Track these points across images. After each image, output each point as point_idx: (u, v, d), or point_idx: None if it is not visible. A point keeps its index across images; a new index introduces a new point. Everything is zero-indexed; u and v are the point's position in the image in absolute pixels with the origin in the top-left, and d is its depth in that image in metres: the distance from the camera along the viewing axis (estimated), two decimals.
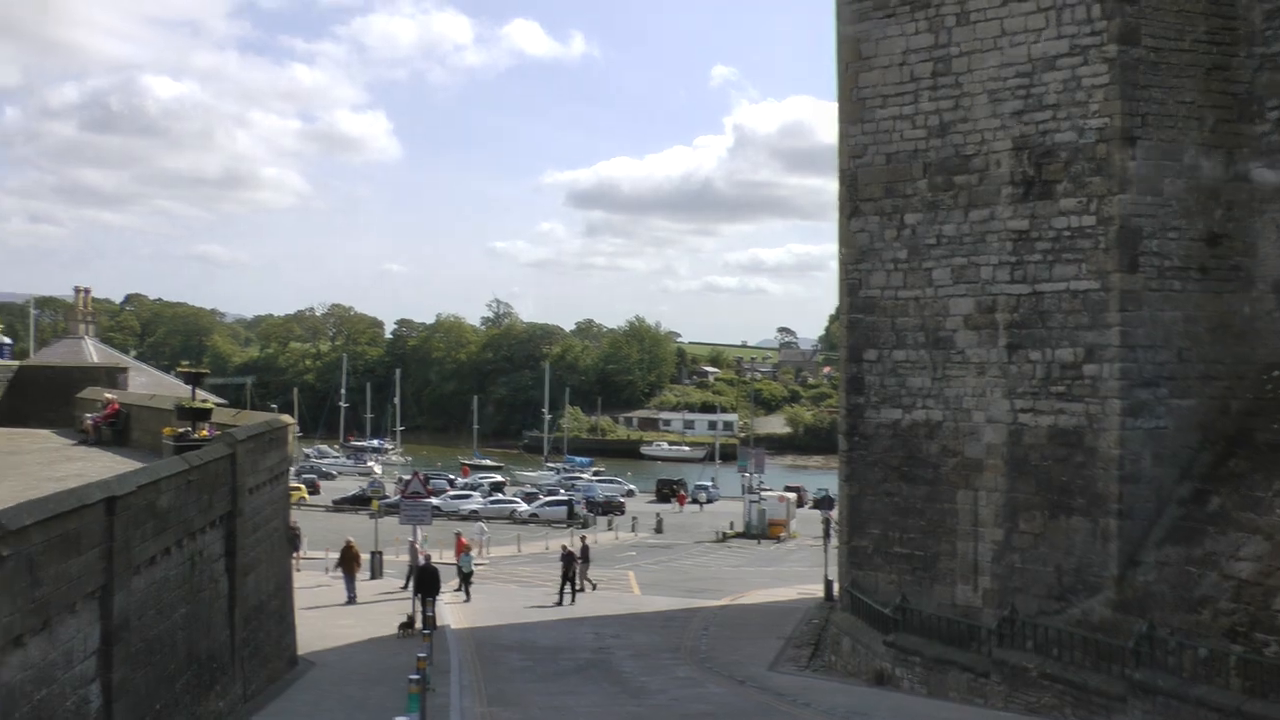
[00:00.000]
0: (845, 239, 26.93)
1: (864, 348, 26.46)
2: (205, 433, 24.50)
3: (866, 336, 26.41)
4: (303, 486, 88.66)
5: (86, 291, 44.12)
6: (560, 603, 37.38)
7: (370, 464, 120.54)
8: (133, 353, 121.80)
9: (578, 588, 39.07)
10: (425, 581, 31.24)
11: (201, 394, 36.99)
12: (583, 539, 44.55)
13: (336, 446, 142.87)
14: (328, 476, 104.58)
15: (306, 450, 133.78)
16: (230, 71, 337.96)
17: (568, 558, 38.71)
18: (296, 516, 56.86)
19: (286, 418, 26.72)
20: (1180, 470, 22.14)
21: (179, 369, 35.11)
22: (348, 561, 37.29)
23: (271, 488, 24.25)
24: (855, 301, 26.65)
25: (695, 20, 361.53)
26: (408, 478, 38.06)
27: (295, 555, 44.48)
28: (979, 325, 24.30)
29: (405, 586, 36.46)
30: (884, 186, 25.97)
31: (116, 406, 31.38)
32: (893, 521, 25.72)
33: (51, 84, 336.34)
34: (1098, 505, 22.26)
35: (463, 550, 39.45)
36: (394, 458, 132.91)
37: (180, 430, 25.18)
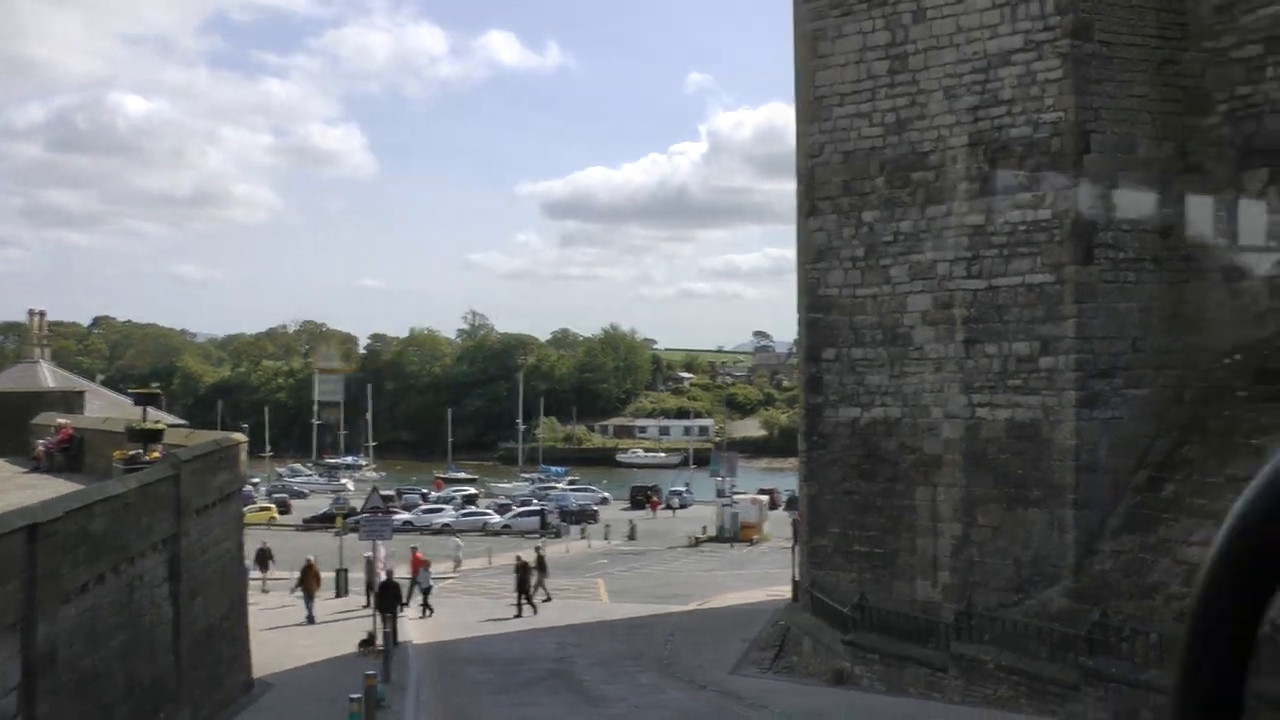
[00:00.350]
0: (803, 238, 26.77)
1: (822, 347, 26.26)
2: (157, 454, 24.05)
3: (825, 335, 26.20)
4: (273, 506, 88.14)
5: (42, 314, 43.37)
6: (519, 614, 36.86)
7: (343, 481, 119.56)
8: (101, 376, 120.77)
9: (544, 598, 38.61)
10: (386, 597, 30.85)
11: (160, 415, 36.47)
12: (538, 549, 44.03)
13: (310, 465, 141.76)
14: (299, 495, 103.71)
15: (280, 469, 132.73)
16: (201, 87, 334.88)
17: (522, 569, 38.20)
18: (266, 536, 56.49)
19: (238, 436, 26.30)
20: (1136, 459, 22.19)
21: (131, 390, 34.48)
22: (307, 581, 36.78)
23: (222, 508, 23.82)
24: (813, 300, 26.44)
25: (670, 28, 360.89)
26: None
27: (263, 576, 44.03)
28: (936, 321, 24.13)
29: (367, 604, 35.99)
30: (841, 185, 25.78)
31: (70, 431, 30.84)
32: (852, 520, 25.52)
33: (15, 103, 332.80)
34: (1055, 497, 22.18)
35: (420, 566, 38.77)
36: (369, 474, 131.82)
37: (131, 453, 24.71)
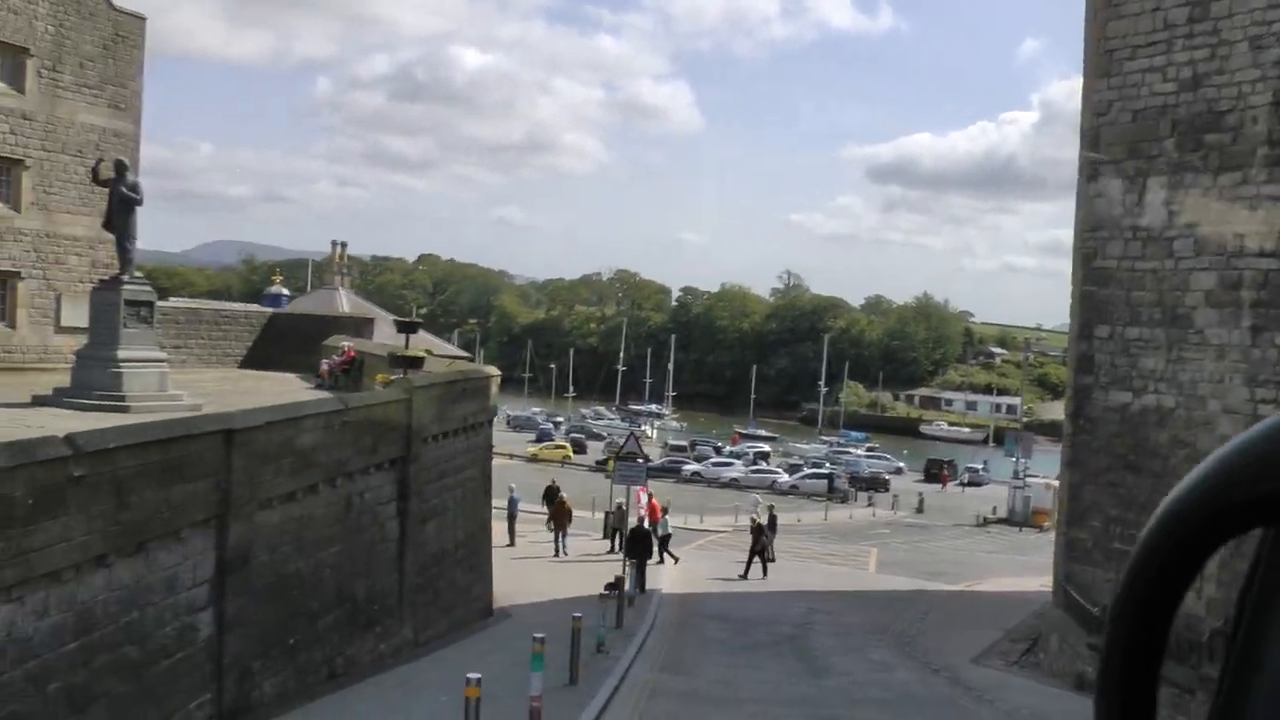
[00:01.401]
0: (1083, 204, 24.78)
1: (1095, 324, 24.25)
2: None
3: (1099, 311, 24.18)
4: (568, 445, 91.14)
5: (343, 246, 45.84)
6: (745, 575, 36.31)
7: (643, 428, 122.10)
8: (423, 310, 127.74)
9: (769, 559, 38.09)
10: (636, 544, 30.99)
11: (436, 343, 37.73)
12: (770, 509, 43.35)
13: (613, 409, 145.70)
14: (597, 437, 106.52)
15: (583, 411, 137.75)
16: (536, 41, 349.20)
17: (757, 530, 37.67)
18: (559, 474, 58.21)
19: (490, 369, 26.89)
20: None
21: (396, 319, 35.89)
22: (559, 517, 37.47)
23: (466, 437, 24.37)
24: (1089, 273, 24.43)
25: None
26: (626, 438, 37.50)
27: (549, 513, 45.06)
28: (1221, 303, 21.76)
29: (612, 549, 36.44)
30: (1128, 147, 23.59)
31: (352, 354, 32.49)
32: (1115, 515, 23.50)
33: (362, 56, 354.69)
34: None
35: (659, 514, 38.59)
36: (670, 423, 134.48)
37: (392, 377, 25.75)
